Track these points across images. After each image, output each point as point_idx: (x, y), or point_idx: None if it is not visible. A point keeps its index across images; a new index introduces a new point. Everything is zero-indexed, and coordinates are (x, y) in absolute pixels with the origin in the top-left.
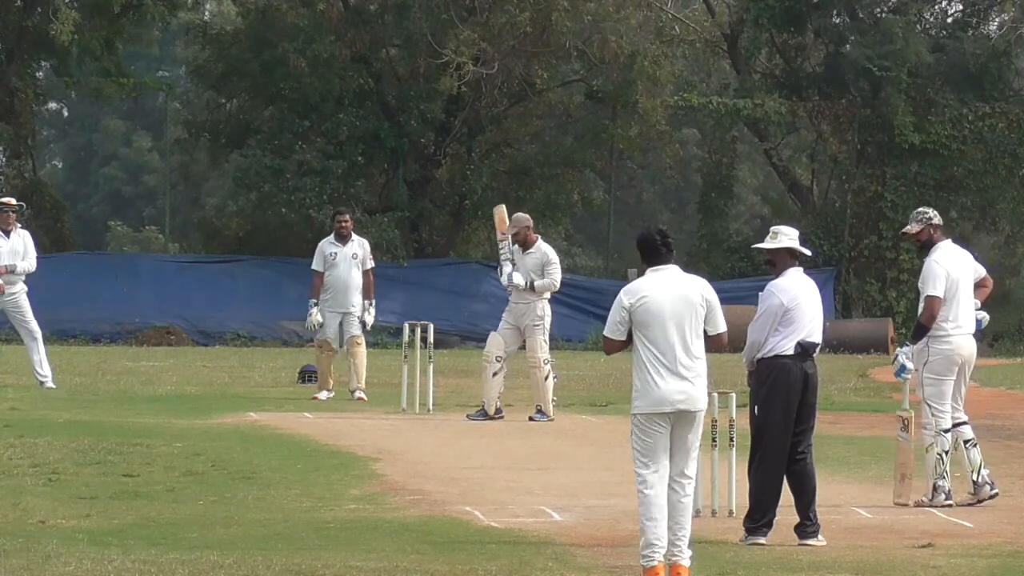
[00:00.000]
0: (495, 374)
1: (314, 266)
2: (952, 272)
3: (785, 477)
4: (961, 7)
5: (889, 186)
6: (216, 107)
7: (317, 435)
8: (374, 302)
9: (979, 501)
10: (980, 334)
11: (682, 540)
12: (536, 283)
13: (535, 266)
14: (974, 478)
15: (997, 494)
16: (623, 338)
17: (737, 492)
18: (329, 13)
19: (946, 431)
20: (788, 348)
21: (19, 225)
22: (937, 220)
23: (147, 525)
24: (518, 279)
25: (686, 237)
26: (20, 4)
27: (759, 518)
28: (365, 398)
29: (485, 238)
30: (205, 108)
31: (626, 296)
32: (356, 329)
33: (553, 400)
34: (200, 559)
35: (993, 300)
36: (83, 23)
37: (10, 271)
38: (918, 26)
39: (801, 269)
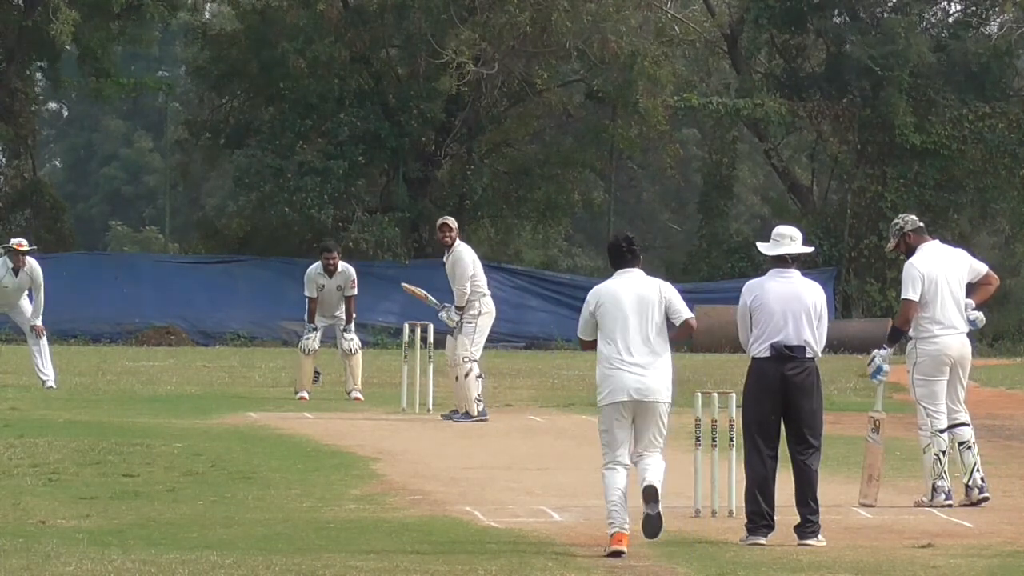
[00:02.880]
0: (467, 375)
1: (307, 292)
2: (932, 273)
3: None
4: (962, 7)
5: (889, 186)
6: (216, 107)
7: (317, 435)
8: (352, 326)
9: (972, 504)
10: (977, 334)
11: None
12: (456, 303)
13: (450, 270)
14: (965, 481)
15: (987, 498)
16: (592, 338)
17: (737, 492)
18: (328, 13)
19: (942, 431)
20: (762, 350)
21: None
22: (911, 226)
23: (147, 525)
24: (451, 315)
25: (686, 237)
26: (20, 4)
27: (750, 514)
28: (361, 398)
29: (486, 238)
30: (205, 108)
31: (591, 298)
32: (347, 343)
33: (478, 399)
34: (200, 559)
35: (993, 300)
36: (83, 23)
37: (37, 321)
38: (919, 26)
39: (789, 270)
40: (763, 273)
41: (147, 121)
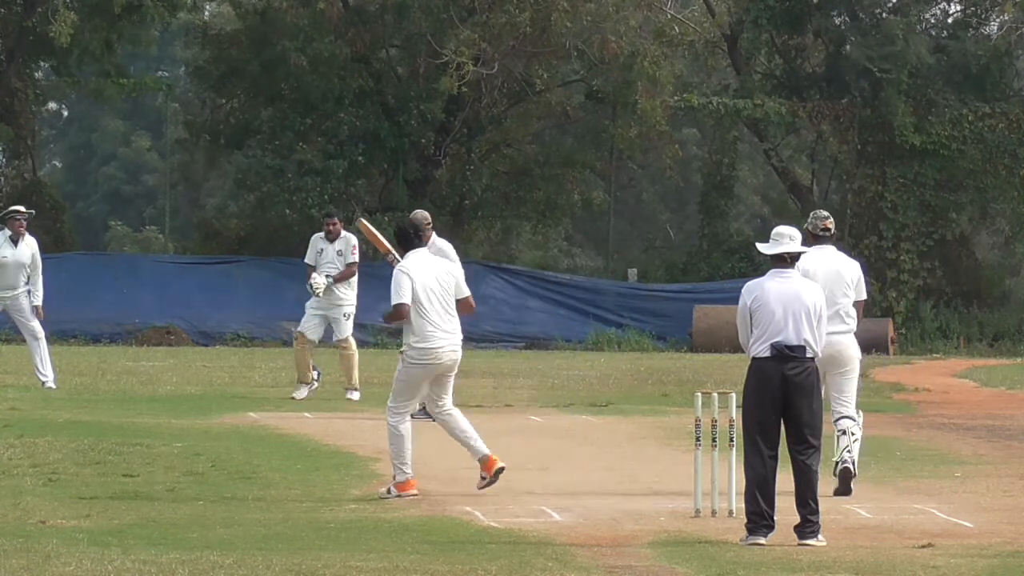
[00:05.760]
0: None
1: (307, 259)
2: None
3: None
4: (961, 8)
5: (889, 186)
6: (216, 107)
7: (317, 435)
8: (348, 311)
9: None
10: (976, 333)
11: (473, 443)
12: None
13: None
14: (834, 458)
15: (848, 471)
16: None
17: (737, 492)
18: (329, 13)
19: None
20: (763, 350)
21: (25, 233)
22: (812, 228)
23: (147, 525)
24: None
25: (686, 237)
26: (20, 5)
27: (750, 514)
28: (355, 398)
29: (485, 238)
30: (205, 108)
31: (404, 271)
32: (343, 332)
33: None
34: (200, 559)
35: (993, 300)
36: (83, 24)
37: (37, 306)
38: (919, 26)
39: (788, 270)
40: (763, 273)
41: (146, 121)
